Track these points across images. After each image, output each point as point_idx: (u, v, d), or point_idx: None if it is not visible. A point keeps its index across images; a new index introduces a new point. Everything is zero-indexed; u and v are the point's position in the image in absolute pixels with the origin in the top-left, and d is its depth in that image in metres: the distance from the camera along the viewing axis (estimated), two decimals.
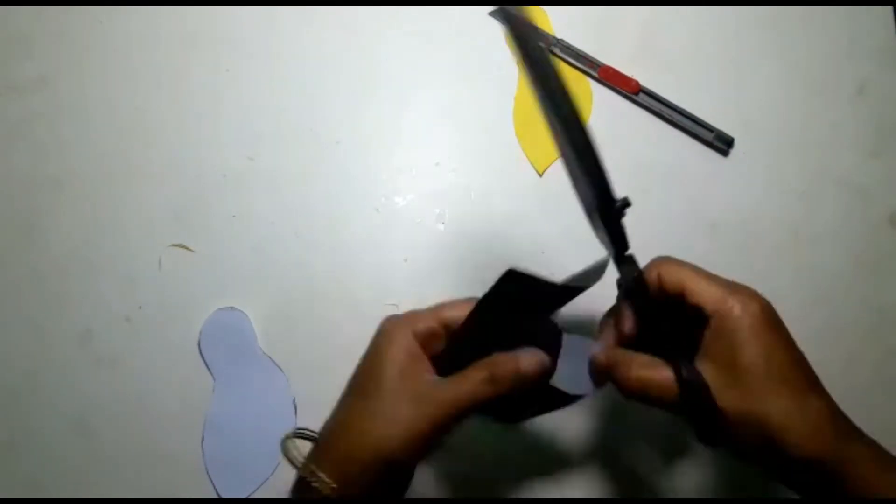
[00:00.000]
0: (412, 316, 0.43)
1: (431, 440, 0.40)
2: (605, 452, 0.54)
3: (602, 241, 0.42)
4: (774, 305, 0.57)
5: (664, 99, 0.59)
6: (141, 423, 0.55)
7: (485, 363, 0.41)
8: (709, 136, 0.58)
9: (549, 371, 0.43)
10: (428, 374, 0.42)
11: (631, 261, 0.42)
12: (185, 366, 0.55)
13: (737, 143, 0.58)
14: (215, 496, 0.54)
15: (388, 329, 0.43)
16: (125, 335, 0.56)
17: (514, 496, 0.54)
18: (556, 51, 0.60)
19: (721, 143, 0.58)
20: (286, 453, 0.44)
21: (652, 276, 0.43)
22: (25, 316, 0.57)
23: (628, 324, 0.43)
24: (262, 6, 0.61)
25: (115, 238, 0.58)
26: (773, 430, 0.37)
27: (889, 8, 0.61)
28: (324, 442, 0.43)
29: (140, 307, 0.56)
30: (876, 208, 0.58)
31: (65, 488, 0.54)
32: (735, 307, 0.40)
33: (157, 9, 0.61)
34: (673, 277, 0.42)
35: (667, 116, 0.59)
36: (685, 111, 0.59)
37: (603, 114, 0.59)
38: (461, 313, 0.43)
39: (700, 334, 0.41)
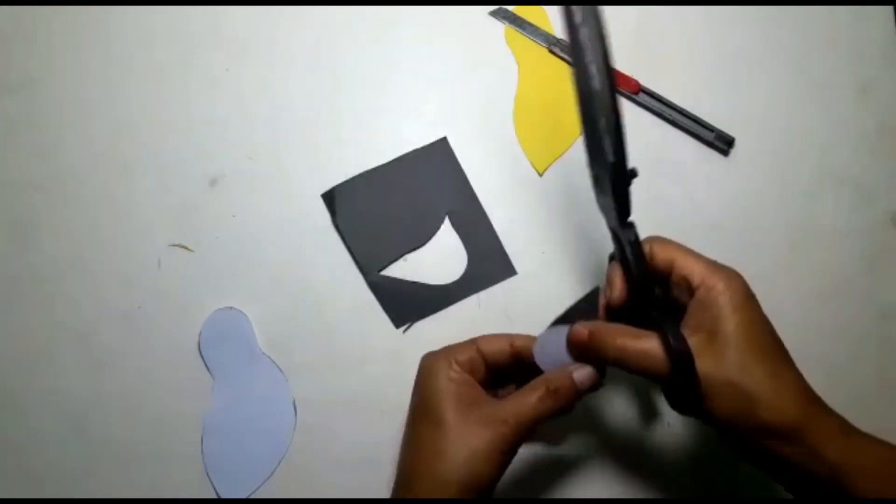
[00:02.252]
0: (449, 348, 0.47)
1: (509, 457, 0.43)
2: (604, 452, 0.55)
3: (605, 207, 0.44)
4: (776, 305, 0.57)
5: (664, 99, 0.59)
6: (141, 423, 0.55)
7: (541, 380, 0.44)
8: (709, 136, 0.58)
9: (600, 383, 0.45)
10: (486, 397, 0.45)
11: (632, 226, 0.45)
12: (185, 366, 0.55)
13: (737, 142, 0.58)
14: (215, 496, 0.54)
15: (428, 364, 0.46)
16: (124, 335, 0.56)
17: (513, 496, 0.54)
18: (557, 50, 0.60)
19: (721, 143, 0.58)
20: None
21: (645, 249, 0.45)
22: (24, 316, 0.56)
23: (617, 291, 0.45)
24: (262, 6, 0.61)
25: (114, 238, 0.58)
26: (750, 396, 0.40)
27: (889, 8, 0.61)
28: (405, 484, 0.44)
29: (139, 307, 0.56)
30: (877, 208, 0.58)
31: (65, 488, 0.54)
32: (720, 281, 0.42)
33: (156, 8, 0.61)
34: (664, 252, 0.45)
35: (667, 116, 0.59)
36: (685, 111, 0.59)
37: None
38: (500, 347, 0.46)
39: (682, 310, 0.44)
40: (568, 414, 0.45)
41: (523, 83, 0.60)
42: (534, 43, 0.61)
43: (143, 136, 0.59)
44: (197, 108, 0.60)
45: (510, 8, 0.62)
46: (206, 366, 0.55)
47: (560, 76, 0.61)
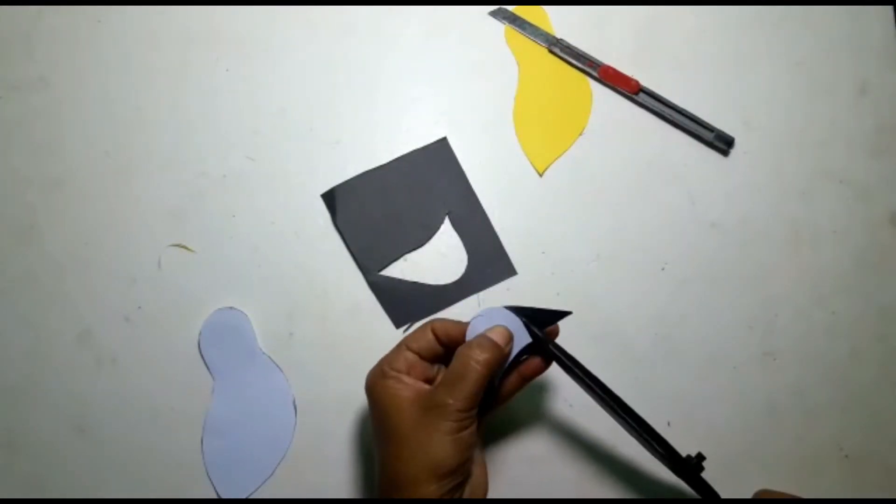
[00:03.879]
0: (382, 360, 0.47)
1: (467, 433, 0.44)
2: (604, 452, 0.55)
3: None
4: (775, 304, 0.57)
5: (664, 99, 0.59)
6: (141, 423, 0.55)
7: (461, 352, 0.46)
8: (709, 136, 0.58)
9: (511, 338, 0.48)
10: (426, 390, 0.46)
11: None
12: (185, 366, 0.55)
13: (737, 142, 0.58)
14: (215, 496, 0.54)
15: (369, 386, 0.47)
16: (125, 335, 0.56)
17: (511, 496, 0.54)
18: (556, 51, 0.60)
19: (721, 143, 0.58)
20: None
21: None
22: (24, 316, 0.56)
23: None
24: (261, 6, 0.61)
25: (115, 238, 0.58)
26: None
27: (889, 8, 0.61)
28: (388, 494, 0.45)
29: (139, 307, 0.56)
30: (877, 208, 0.58)
31: (65, 488, 0.54)
32: None
33: (156, 9, 0.61)
34: None
35: (667, 116, 0.59)
36: (685, 111, 0.59)
37: (603, 114, 0.60)
38: (448, 324, 0.48)
39: None
40: (500, 378, 0.47)
41: (523, 83, 0.60)
42: (534, 43, 0.61)
43: (144, 136, 0.59)
44: (197, 109, 0.60)
45: (510, 8, 0.62)
46: (207, 366, 0.55)
47: (560, 76, 0.61)
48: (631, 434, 0.48)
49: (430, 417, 0.44)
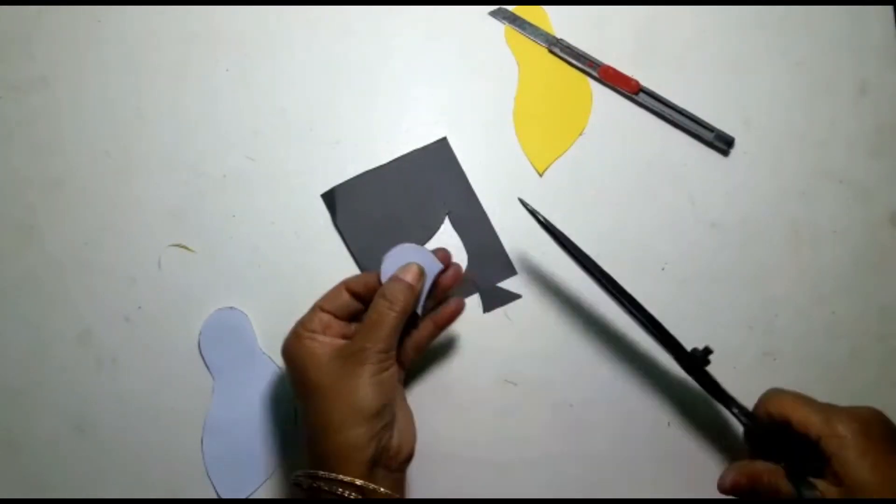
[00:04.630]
0: (297, 323, 0.48)
1: (388, 375, 0.46)
2: (605, 452, 0.55)
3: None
4: (775, 304, 0.57)
5: (664, 99, 0.59)
6: (141, 423, 0.55)
7: (374, 300, 0.48)
8: (709, 136, 0.58)
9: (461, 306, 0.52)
10: (341, 344, 0.47)
11: (736, 404, 0.49)
12: (185, 366, 0.55)
13: (737, 142, 0.58)
14: (215, 496, 0.54)
15: (285, 346, 0.48)
16: (125, 335, 0.56)
17: (511, 496, 0.54)
18: (556, 51, 0.60)
19: (721, 143, 0.58)
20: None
21: (761, 411, 0.48)
22: (25, 316, 0.56)
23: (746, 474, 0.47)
24: (261, 6, 0.61)
25: (115, 238, 0.58)
26: None
27: (889, 8, 0.61)
28: (320, 457, 0.45)
29: (140, 307, 0.56)
30: (876, 208, 0.58)
31: (65, 488, 0.54)
32: (839, 429, 0.44)
33: (156, 9, 0.61)
34: (777, 408, 0.47)
35: (667, 116, 0.59)
36: (685, 111, 0.59)
37: (603, 114, 0.59)
38: (362, 276, 0.50)
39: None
40: (422, 307, 0.50)
41: (523, 83, 0.60)
42: (534, 43, 0.61)
43: (144, 136, 0.59)
44: (197, 108, 0.60)
45: (510, 8, 0.62)
46: (207, 366, 0.55)
47: (560, 76, 0.61)
48: (638, 325, 0.50)
49: (351, 365, 0.45)
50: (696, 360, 0.49)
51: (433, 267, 0.50)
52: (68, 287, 0.57)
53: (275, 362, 0.55)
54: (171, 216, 0.58)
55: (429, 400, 0.55)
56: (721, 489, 0.47)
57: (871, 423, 0.45)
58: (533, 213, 0.51)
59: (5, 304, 0.57)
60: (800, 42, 0.61)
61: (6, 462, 0.54)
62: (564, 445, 0.55)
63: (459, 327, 0.55)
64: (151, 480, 0.54)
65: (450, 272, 0.51)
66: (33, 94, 0.60)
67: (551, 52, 0.61)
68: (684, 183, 0.58)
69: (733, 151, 0.58)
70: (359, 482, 0.43)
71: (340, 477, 0.43)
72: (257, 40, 0.61)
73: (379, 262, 0.51)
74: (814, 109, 0.60)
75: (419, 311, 0.50)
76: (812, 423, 0.45)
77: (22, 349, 0.56)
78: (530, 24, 0.61)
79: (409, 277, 0.48)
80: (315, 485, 0.44)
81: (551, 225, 0.51)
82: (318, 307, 0.49)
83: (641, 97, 0.59)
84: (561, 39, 0.61)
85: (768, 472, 0.46)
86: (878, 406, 0.54)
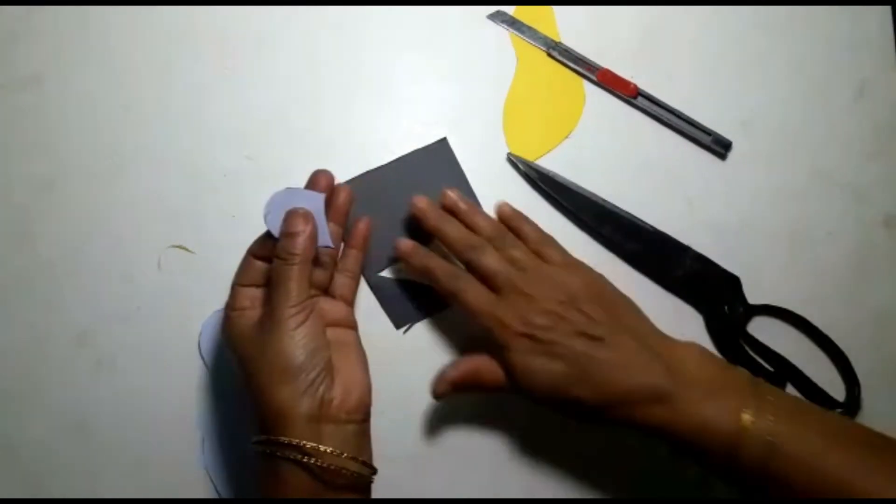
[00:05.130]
0: (225, 306, 0.48)
1: (308, 328, 0.45)
2: (603, 453, 0.55)
3: None
4: (772, 304, 0.57)
5: (662, 102, 0.59)
6: (141, 423, 0.55)
7: (273, 256, 0.47)
8: (706, 140, 0.59)
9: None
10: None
11: None
12: (185, 366, 0.55)
13: (734, 146, 0.59)
14: (215, 496, 0.54)
15: (222, 331, 0.48)
16: (124, 336, 0.56)
17: (510, 496, 0.54)
18: (555, 54, 0.60)
19: (719, 147, 0.58)
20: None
21: None
22: (23, 317, 0.56)
23: None
24: (261, 6, 0.61)
25: (114, 239, 0.57)
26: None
27: (887, 8, 0.61)
28: (262, 420, 0.45)
29: (139, 308, 0.56)
30: (871, 210, 0.58)
31: (65, 488, 0.54)
32: None
33: (155, 8, 0.61)
34: None
35: (665, 120, 0.59)
36: (683, 114, 0.59)
37: (601, 117, 0.60)
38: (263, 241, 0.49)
39: None
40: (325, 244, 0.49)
41: (518, 80, 0.61)
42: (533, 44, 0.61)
43: (143, 136, 0.59)
44: (196, 108, 0.60)
45: (509, 10, 0.62)
46: (207, 366, 0.55)
47: (554, 76, 0.61)
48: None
49: (268, 328, 0.45)
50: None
51: (316, 200, 0.49)
52: (67, 288, 0.57)
53: None
54: (170, 217, 0.58)
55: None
56: (437, 395, 0.50)
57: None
58: (516, 164, 0.54)
59: (4, 304, 0.56)
60: (797, 44, 0.61)
61: (5, 462, 0.54)
62: (564, 445, 0.55)
63: (459, 327, 0.56)
64: (151, 480, 0.54)
65: (340, 194, 0.53)
66: (28, 92, 0.60)
67: (549, 55, 0.61)
68: (682, 186, 0.59)
69: (730, 154, 0.59)
70: (296, 442, 0.42)
71: (281, 439, 0.43)
72: (257, 40, 0.61)
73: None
74: (811, 112, 0.60)
75: (329, 244, 0.49)
76: None
77: (22, 350, 0.56)
78: (528, 27, 0.61)
79: (296, 226, 0.47)
80: (267, 451, 0.43)
81: (539, 172, 0.53)
82: (236, 284, 0.48)
83: (639, 101, 0.60)
84: (559, 43, 0.61)
85: (488, 365, 0.49)
86: (871, 406, 0.55)
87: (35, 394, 0.55)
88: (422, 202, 0.53)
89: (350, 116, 0.60)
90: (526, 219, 0.55)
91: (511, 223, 0.54)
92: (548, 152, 0.59)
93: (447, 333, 0.56)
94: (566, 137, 0.59)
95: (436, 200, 0.54)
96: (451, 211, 0.54)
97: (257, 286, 0.48)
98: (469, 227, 0.53)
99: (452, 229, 0.52)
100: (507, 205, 0.55)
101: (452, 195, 0.54)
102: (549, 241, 0.53)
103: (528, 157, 0.59)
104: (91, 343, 0.56)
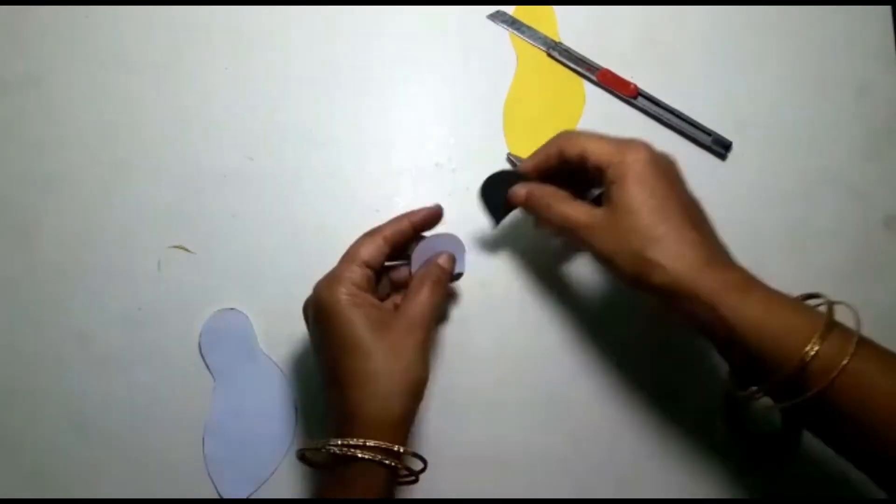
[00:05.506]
0: (338, 275, 0.47)
1: (429, 352, 0.46)
2: (603, 453, 0.55)
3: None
4: None
5: (662, 102, 0.59)
6: (141, 423, 0.55)
7: (420, 277, 0.48)
8: (706, 140, 0.59)
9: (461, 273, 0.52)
10: (388, 310, 0.48)
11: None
12: (186, 366, 0.55)
13: (734, 146, 0.59)
14: (215, 496, 0.54)
15: (328, 297, 0.46)
16: (125, 336, 0.56)
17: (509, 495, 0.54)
18: (555, 54, 0.61)
19: (719, 147, 0.58)
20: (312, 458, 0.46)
21: (552, 152, 0.49)
22: (24, 317, 0.56)
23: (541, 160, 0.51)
24: (261, 6, 0.61)
25: (114, 239, 0.57)
26: (647, 261, 0.43)
27: (887, 8, 0.61)
28: (349, 417, 0.44)
29: (139, 308, 0.56)
30: (871, 210, 0.58)
31: (65, 488, 0.54)
32: (625, 156, 0.45)
33: (155, 8, 0.61)
34: (573, 147, 0.48)
35: (665, 120, 0.59)
36: (683, 115, 0.59)
37: (600, 117, 0.60)
38: (377, 250, 0.48)
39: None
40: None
41: (518, 79, 0.61)
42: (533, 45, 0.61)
43: (143, 136, 0.59)
44: (196, 108, 0.60)
45: (509, 10, 0.62)
46: (207, 366, 0.55)
47: (556, 76, 0.61)
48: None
49: (398, 331, 0.45)
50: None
51: (458, 249, 0.52)
52: (68, 288, 0.57)
53: (275, 363, 0.55)
54: (170, 216, 0.58)
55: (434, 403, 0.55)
56: (517, 200, 0.51)
57: (658, 158, 0.46)
58: (516, 164, 0.54)
59: (5, 305, 0.57)
60: (797, 44, 0.61)
61: (6, 462, 0.54)
62: (562, 445, 0.55)
63: (459, 327, 0.56)
64: (151, 480, 0.54)
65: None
66: (28, 93, 0.60)
67: (550, 55, 0.61)
68: None
69: (730, 155, 0.59)
70: (385, 445, 0.43)
71: (369, 443, 0.42)
72: (256, 40, 0.61)
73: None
74: (811, 112, 0.60)
75: (463, 271, 0.52)
76: (605, 151, 0.46)
77: (23, 350, 0.56)
78: (528, 28, 0.61)
79: (447, 262, 0.50)
80: (349, 452, 0.42)
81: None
82: (362, 260, 0.47)
83: (639, 101, 0.60)
84: (559, 43, 0.61)
85: (550, 191, 0.49)
86: None
87: (36, 393, 0.55)
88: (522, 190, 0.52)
89: (350, 117, 0.60)
90: None
91: None
92: None
93: (448, 334, 0.56)
94: None
95: None
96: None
97: (374, 270, 0.48)
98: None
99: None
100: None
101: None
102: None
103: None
104: (92, 343, 0.56)
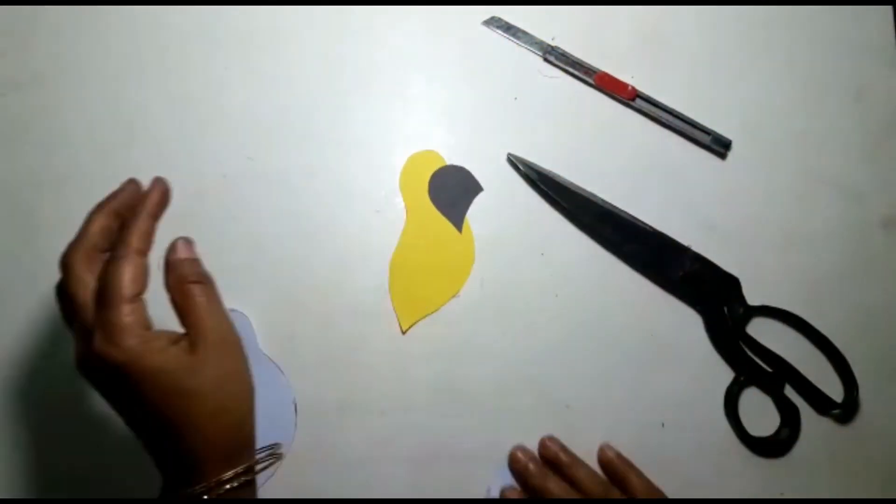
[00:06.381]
0: (110, 318, 0.41)
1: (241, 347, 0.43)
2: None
3: None
4: (770, 304, 0.57)
5: (660, 103, 0.60)
6: None
7: (174, 285, 0.44)
8: (706, 140, 0.59)
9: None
10: (181, 335, 0.42)
11: None
12: None
13: (734, 145, 0.59)
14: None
15: (117, 360, 0.40)
16: None
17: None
18: (552, 59, 0.61)
19: (719, 146, 0.59)
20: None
21: None
22: (25, 317, 0.56)
23: None
24: (261, 6, 0.61)
25: None
26: None
27: (888, 8, 0.62)
28: (206, 463, 0.42)
29: None
30: (869, 211, 0.59)
31: (66, 488, 0.53)
32: None
33: (155, 8, 0.61)
34: None
35: (664, 121, 0.59)
36: (682, 114, 0.59)
37: (599, 120, 0.60)
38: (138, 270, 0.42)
39: None
40: None
41: (407, 233, 0.58)
42: (422, 192, 0.58)
43: (143, 136, 0.59)
44: (196, 108, 0.60)
45: (505, 17, 0.62)
46: None
47: (444, 233, 0.58)
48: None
49: (217, 356, 0.41)
50: None
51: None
52: None
53: (275, 363, 0.55)
54: (170, 216, 0.57)
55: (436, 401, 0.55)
56: None
57: None
58: (517, 164, 0.54)
59: (6, 304, 0.56)
60: (797, 44, 0.62)
61: (8, 462, 0.54)
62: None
63: (459, 326, 0.55)
64: (152, 480, 0.53)
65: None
66: (32, 92, 0.60)
67: (546, 60, 0.61)
68: (681, 186, 0.59)
69: (731, 154, 0.59)
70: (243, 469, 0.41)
71: (231, 473, 0.41)
72: (256, 40, 0.61)
73: None
74: (811, 112, 0.60)
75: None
76: None
77: (22, 349, 0.55)
78: (524, 33, 0.62)
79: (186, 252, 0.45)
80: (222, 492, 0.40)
81: (539, 173, 0.53)
82: (133, 297, 0.41)
83: (638, 103, 0.60)
84: (556, 47, 0.61)
85: None
86: (867, 409, 0.55)
87: (36, 393, 0.55)
88: (522, 454, 0.53)
89: (350, 118, 0.60)
90: (631, 466, 0.53)
91: (616, 473, 0.53)
92: (428, 315, 0.57)
93: (447, 334, 0.56)
94: (452, 298, 0.57)
95: None
96: (551, 462, 0.53)
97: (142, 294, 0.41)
98: (570, 479, 0.52)
99: (556, 488, 0.51)
100: (609, 448, 0.54)
101: (552, 446, 0.53)
102: (657, 492, 0.52)
103: (409, 319, 0.56)
104: None
